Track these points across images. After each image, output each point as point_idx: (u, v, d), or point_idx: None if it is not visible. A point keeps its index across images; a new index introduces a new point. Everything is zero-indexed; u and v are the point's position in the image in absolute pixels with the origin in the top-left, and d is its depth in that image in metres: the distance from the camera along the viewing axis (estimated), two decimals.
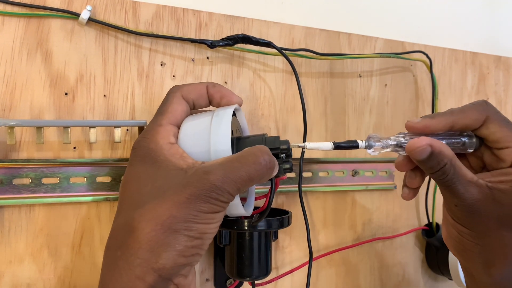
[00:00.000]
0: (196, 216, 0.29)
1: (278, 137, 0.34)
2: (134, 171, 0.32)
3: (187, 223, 0.29)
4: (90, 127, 0.38)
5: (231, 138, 0.34)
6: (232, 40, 0.43)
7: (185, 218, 0.29)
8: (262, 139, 0.34)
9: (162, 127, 0.33)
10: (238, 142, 0.34)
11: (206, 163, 0.31)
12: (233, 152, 0.33)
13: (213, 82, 0.37)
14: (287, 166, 0.34)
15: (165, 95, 0.35)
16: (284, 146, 0.34)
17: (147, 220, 0.29)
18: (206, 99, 0.36)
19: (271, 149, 0.33)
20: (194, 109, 0.36)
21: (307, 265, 0.45)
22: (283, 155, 0.34)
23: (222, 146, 0.32)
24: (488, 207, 0.33)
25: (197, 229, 0.29)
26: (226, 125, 0.33)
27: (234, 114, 0.37)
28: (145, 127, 0.40)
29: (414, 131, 0.35)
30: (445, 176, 0.33)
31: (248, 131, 0.40)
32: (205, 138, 0.33)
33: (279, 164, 0.33)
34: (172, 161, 0.31)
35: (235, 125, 0.39)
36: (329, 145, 0.36)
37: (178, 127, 0.34)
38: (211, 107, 0.37)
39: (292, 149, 0.35)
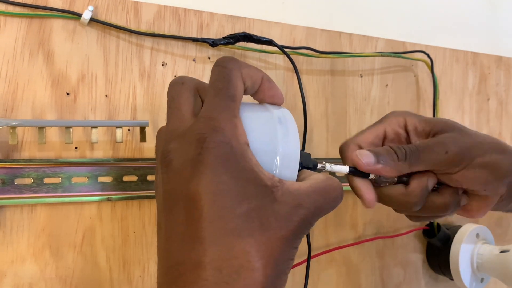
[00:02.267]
0: (293, 254, 0.26)
1: (309, 154, 0.33)
2: (217, 179, 0.25)
3: (290, 261, 0.26)
4: (92, 127, 0.38)
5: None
6: (234, 39, 0.43)
7: (290, 256, 0.26)
8: (304, 155, 0.32)
9: (238, 119, 0.27)
10: None
11: (289, 186, 0.27)
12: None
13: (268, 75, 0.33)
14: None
15: (217, 64, 0.28)
16: (315, 163, 0.33)
17: (261, 258, 0.24)
18: (256, 89, 0.31)
19: (303, 166, 0.31)
20: None
21: (306, 265, 0.45)
22: None
23: (290, 160, 0.29)
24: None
25: (290, 267, 0.26)
26: (294, 135, 0.30)
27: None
28: (146, 127, 0.40)
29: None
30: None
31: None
32: (272, 147, 0.29)
33: None
34: (257, 172, 0.26)
35: None
36: (345, 169, 0.37)
37: None
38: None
39: None
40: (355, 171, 0.37)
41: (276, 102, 0.32)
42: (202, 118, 0.26)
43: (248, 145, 0.27)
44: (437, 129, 0.39)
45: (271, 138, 0.29)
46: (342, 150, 0.39)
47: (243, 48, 0.45)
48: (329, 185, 0.28)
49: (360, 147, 0.39)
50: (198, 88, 0.30)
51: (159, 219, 0.28)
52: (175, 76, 0.43)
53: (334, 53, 0.50)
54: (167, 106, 0.29)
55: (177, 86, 0.29)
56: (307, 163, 0.32)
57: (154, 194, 0.29)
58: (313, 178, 0.28)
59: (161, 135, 0.29)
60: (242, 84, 0.28)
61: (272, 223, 0.25)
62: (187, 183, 0.25)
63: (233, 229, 0.24)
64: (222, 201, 0.24)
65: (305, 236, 0.45)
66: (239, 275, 0.23)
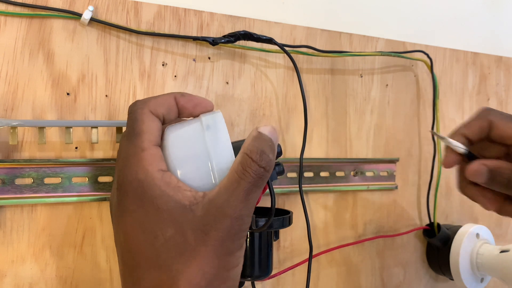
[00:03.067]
0: (228, 262, 0.27)
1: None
2: (131, 218, 0.27)
3: (221, 273, 0.26)
4: (92, 127, 0.38)
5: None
6: (234, 37, 0.43)
7: (218, 270, 0.26)
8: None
9: (146, 151, 0.28)
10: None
11: (207, 194, 0.27)
12: None
13: (179, 91, 0.34)
14: (279, 169, 0.32)
15: (127, 113, 0.31)
16: (278, 150, 0.32)
17: (188, 283, 0.25)
18: (176, 112, 0.32)
19: None
20: (163, 124, 0.32)
21: (308, 264, 0.45)
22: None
23: (226, 164, 0.29)
24: None
25: (231, 276, 0.27)
26: (225, 138, 0.29)
27: None
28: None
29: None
30: None
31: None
32: (204, 157, 0.29)
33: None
34: (172, 196, 0.27)
35: None
36: (462, 149, 0.37)
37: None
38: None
39: (292, 148, 0.34)
40: (469, 155, 0.37)
41: (205, 108, 0.32)
42: (117, 164, 0.29)
43: (163, 170, 0.27)
44: None
45: (200, 148, 0.29)
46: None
47: (243, 47, 0.45)
48: (239, 161, 0.28)
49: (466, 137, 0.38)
50: (151, 110, 0.32)
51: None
52: (175, 76, 0.43)
53: (334, 52, 0.50)
54: None
55: (121, 138, 0.31)
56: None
57: None
58: (230, 171, 0.28)
59: (121, 139, 0.32)
60: (153, 116, 0.30)
61: (187, 245, 0.26)
62: (118, 232, 0.28)
63: (156, 264, 0.26)
64: (138, 237, 0.27)
65: (306, 236, 0.45)
66: None
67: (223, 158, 0.29)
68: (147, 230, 0.27)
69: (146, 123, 0.29)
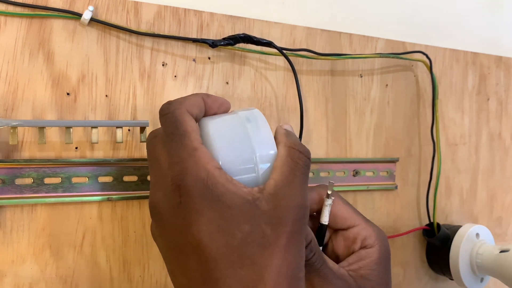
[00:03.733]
0: (302, 251, 0.27)
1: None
2: (203, 219, 0.26)
3: (300, 262, 0.27)
4: (92, 127, 0.38)
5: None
6: (234, 40, 0.43)
7: (298, 259, 0.27)
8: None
9: (198, 150, 0.28)
10: None
11: (265, 189, 0.28)
12: None
13: (204, 92, 0.35)
14: None
15: (161, 114, 0.30)
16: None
17: (274, 280, 0.25)
18: (203, 112, 0.32)
19: None
20: None
21: None
22: None
23: (268, 156, 0.29)
24: None
25: (305, 264, 0.27)
26: (267, 130, 0.30)
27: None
28: (147, 127, 0.40)
29: None
30: (315, 265, 0.32)
31: None
32: (247, 148, 0.29)
33: None
34: (236, 192, 0.27)
35: None
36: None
37: None
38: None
39: None
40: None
41: (228, 107, 0.33)
42: (170, 166, 0.28)
43: (218, 168, 0.28)
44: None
45: (243, 139, 0.29)
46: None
47: (243, 50, 0.45)
48: (290, 161, 0.29)
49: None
50: (188, 110, 0.31)
51: (171, 267, 0.29)
52: (175, 76, 0.43)
53: (333, 55, 0.50)
54: (147, 159, 0.31)
55: (152, 140, 0.31)
56: None
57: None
58: (277, 164, 0.29)
59: (153, 141, 0.31)
60: (190, 116, 0.30)
61: (266, 239, 0.26)
62: (184, 234, 0.27)
63: (236, 262, 0.26)
64: (217, 239, 0.26)
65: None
66: None
67: (266, 150, 0.30)
68: (222, 229, 0.26)
69: (188, 122, 0.29)
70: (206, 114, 0.32)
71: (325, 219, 0.34)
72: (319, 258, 0.32)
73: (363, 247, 0.34)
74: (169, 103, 0.31)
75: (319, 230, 0.35)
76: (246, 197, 0.27)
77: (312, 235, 0.32)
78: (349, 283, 0.32)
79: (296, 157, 0.29)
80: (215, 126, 0.30)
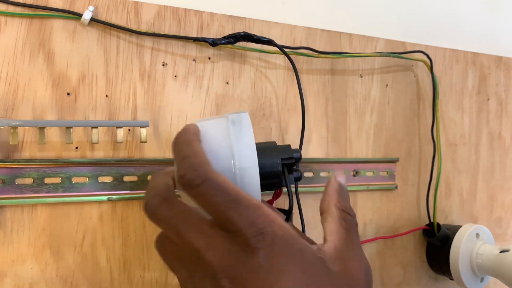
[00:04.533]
0: None
1: (289, 146, 0.34)
2: (292, 280, 0.24)
3: None
4: (92, 127, 0.38)
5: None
6: (234, 38, 0.43)
7: None
8: (273, 147, 0.33)
9: (263, 207, 0.26)
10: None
11: (326, 249, 0.28)
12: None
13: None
14: (298, 175, 0.34)
15: (193, 186, 0.26)
16: (298, 155, 0.33)
17: None
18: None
19: (283, 159, 0.32)
20: None
21: None
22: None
23: (247, 162, 0.29)
24: None
25: None
26: (249, 135, 0.30)
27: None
28: (147, 127, 0.40)
29: None
30: None
31: None
32: (227, 151, 0.29)
33: (289, 174, 0.33)
34: (310, 248, 0.27)
35: None
36: None
37: None
38: None
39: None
40: None
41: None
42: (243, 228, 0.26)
43: (284, 220, 0.27)
44: None
45: (224, 141, 0.30)
46: None
47: (243, 48, 0.45)
48: (344, 223, 0.30)
49: None
50: None
51: None
52: (175, 76, 0.43)
53: (334, 53, 0.50)
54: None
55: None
56: (287, 154, 0.33)
57: None
58: (332, 228, 0.30)
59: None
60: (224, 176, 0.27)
61: None
62: None
63: None
64: None
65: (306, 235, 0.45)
66: None
67: (245, 155, 0.29)
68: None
69: (232, 185, 0.27)
70: None
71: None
72: None
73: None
74: (194, 170, 0.27)
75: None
76: (317, 254, 0.27)
77: None
78: None
79: (349, 221, 0.30)
80: (207, 131, 0.31)
